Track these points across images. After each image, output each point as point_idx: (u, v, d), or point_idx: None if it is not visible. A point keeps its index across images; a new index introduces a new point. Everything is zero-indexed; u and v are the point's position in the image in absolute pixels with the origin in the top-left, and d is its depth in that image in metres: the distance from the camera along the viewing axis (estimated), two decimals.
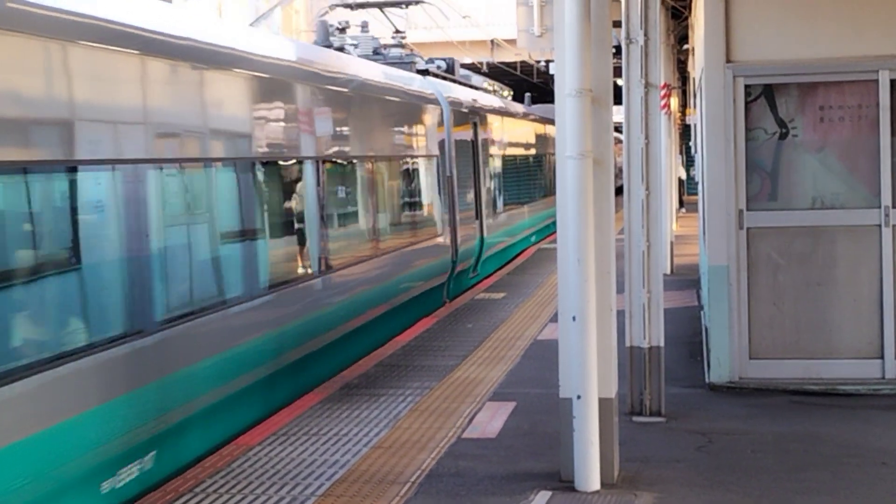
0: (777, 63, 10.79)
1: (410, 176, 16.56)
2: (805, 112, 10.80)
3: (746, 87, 10.81)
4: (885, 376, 10.68)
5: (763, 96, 10.84)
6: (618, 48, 9.97)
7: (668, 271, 19.03)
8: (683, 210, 35.13)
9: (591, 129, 7.80)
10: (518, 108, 29.31)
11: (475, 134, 21.19)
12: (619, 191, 10.72)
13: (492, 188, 22.68)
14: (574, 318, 7.76)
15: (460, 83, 22.83)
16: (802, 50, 10.76)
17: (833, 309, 10.76)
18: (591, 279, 7.75)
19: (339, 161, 13.20)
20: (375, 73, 15.50)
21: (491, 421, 9.87)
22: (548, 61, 37.93)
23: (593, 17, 7.86)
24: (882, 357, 10.69)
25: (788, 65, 10.77)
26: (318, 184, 12.30)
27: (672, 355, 11.50)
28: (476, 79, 26.24)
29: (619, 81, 10.03)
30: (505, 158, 25.08)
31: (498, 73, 41.57)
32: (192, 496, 7.96)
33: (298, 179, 11.86)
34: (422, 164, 17.17)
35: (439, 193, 17.98)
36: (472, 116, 21.07)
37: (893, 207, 10.63)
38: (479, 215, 20.93)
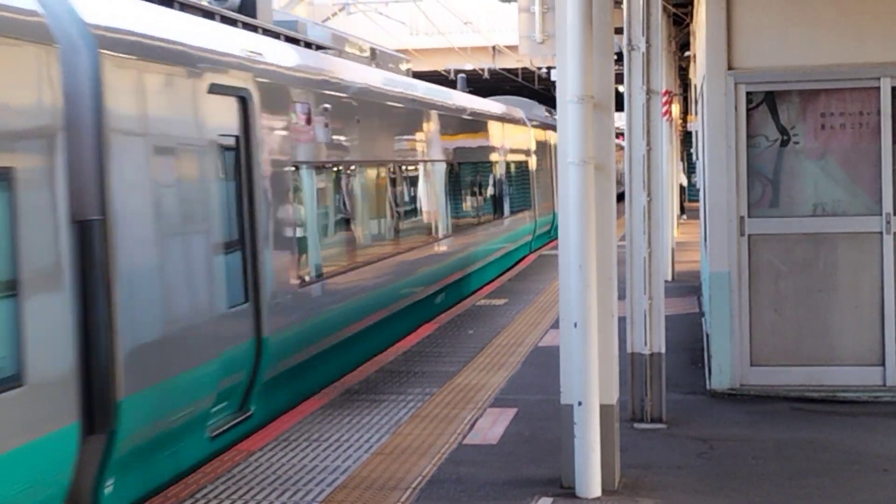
0: (778, 70, 10.79)
1: None
2: (806, 119, 10.81)
3: (748, 94, 10.82)
4: (886, 383, 10.67)
5: (764, 103, 10.84)
6: (619, 55, 10.00)
7: (670, 278, 19.02)
8: (685, 217, 35.14)
9: (593, 135, 7.81)
10: (415, 87, 17.64)
11: (246, 124, 10.26)
12: (620, 197, 10.74)
13: (294, 235, 11.35)
14: (575, 325, 7.77)
15: (243, 24, 11.52)
16: (804, 57, 10.77)
17: (834, 316, 10.76)
18: (592, 285, 7.76)
19: None
20: None
21: (492, 427, 9.87)
22: (549, 68, 37.94)
23: (595, 23, 7.88)
24: (883, 364, 10.69)
25: (790, 72, 10.78)
26: None
27: (673, 362, 11.49)
28: (317, 30, 15.10)
29: (621, 88, 10.05)
30: (354, 171, 13.74)
31: (499, 79, 41.64)
32: (193, 501, 7.96)
33: None
34: None
35: (36, 275, 6.83)
36: (237, 87, 10.14)
37: (894, 214, 10.64)
38: (252, 295, 10.14)
